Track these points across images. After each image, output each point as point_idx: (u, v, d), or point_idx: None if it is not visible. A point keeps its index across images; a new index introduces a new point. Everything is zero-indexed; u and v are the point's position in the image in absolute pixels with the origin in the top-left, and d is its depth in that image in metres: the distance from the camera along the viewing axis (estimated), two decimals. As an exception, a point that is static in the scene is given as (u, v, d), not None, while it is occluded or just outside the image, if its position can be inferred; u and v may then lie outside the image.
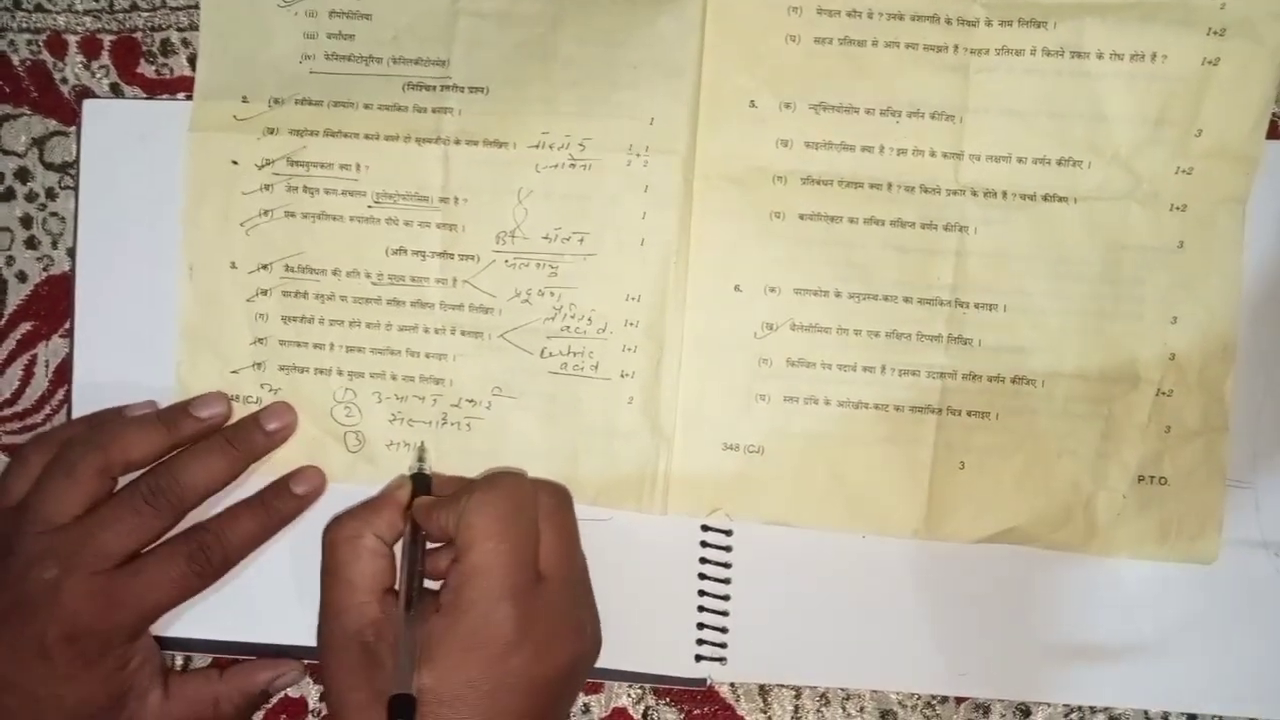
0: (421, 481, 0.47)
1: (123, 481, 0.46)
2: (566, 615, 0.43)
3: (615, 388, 0.48)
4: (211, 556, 0.45)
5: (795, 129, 0.47)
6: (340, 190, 0.49)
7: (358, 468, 0.49)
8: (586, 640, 0.44)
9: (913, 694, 0.49)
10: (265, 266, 0.49)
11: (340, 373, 0.49)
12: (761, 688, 0.49)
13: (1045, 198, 0.47)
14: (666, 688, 0.49)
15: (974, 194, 0.47)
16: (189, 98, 0.50)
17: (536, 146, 0.48)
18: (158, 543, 0.45)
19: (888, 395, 0.48)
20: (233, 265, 0.49)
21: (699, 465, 0.48)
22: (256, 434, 0.48)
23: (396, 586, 0.44)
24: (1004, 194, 0.47)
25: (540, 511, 0.44)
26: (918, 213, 0.47)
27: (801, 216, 0.48)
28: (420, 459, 0.48)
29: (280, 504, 0.48)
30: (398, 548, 0.45)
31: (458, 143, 0.48)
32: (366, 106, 0.49)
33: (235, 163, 0.49)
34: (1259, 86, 0.46)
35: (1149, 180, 0.46)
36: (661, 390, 0.48)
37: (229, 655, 0.50)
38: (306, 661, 0.50)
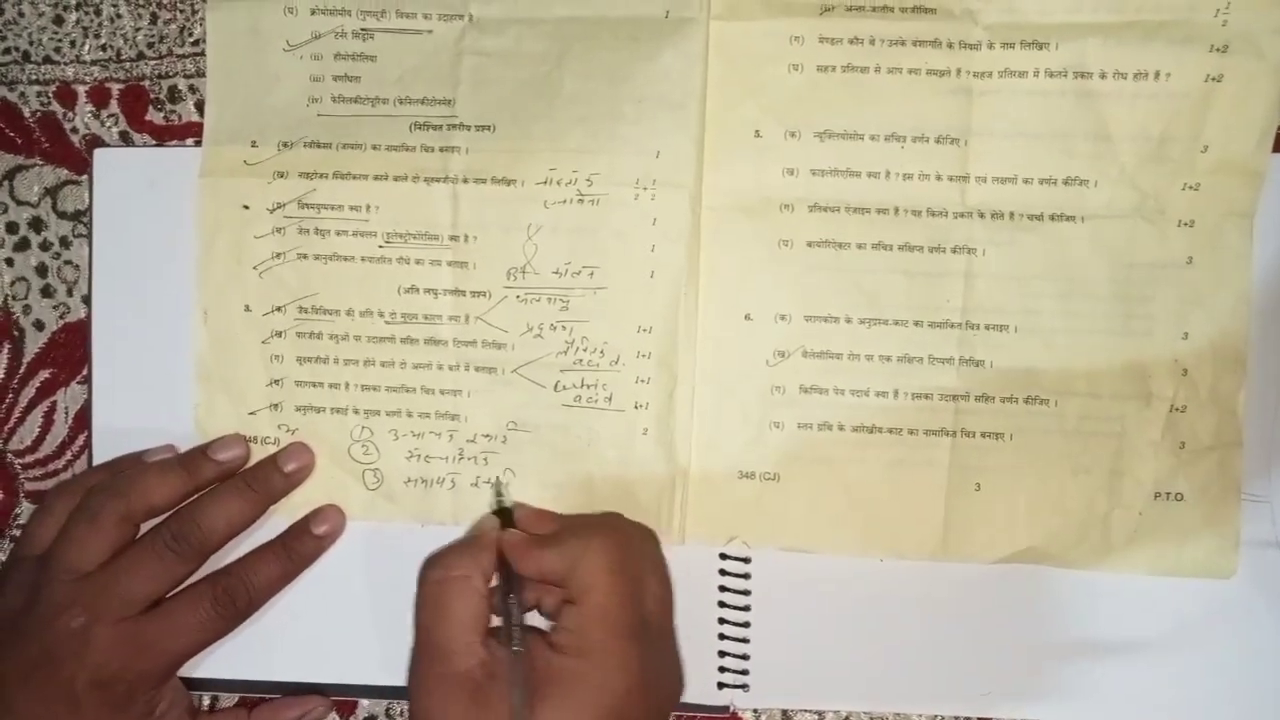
0: (506, 516, 0.47)
1: (145, 527, 0.47)
2: (670, 657, 0.44)
3: (630, 419, 0.48)
4: (236, 600, 0.46)
5: (801, 157, 0.48)
6: (351, 231, 0.49)
7: (377, 505, 0.50)
8: (680, 682, 0.45)
9: (936, 715, 0.49)
10: (279, 308, 0.50)
11: (356, 411, 0.50)
12: (784, 713, 0.50)
13: (1052, 218, 0.47)
14: (690, 715, 0.50)
15: (981, 216, 0.47)
16: (198, 143, 0.51)
17: (544, 183, 0.48)
18: (182, 587, 0.46)
19: (901, 419, 0.48)
20: (246, 308, 0.50)
21: (715, 494, 0.48)
22: (275, 475, 0.49)
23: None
24: (1011, 215, 0.47)
25: (644, 555, 0.44)
26: (925, 236, 0.47)
27: (810, 244, 0.48)
28: (499, 494, 0.48)
29: (301, 546, 0.48)
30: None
31: (466, 181, 0.49)
32: (374, 147, 0.49)
33: (246, 207, 0.49)
34: (1263, 101, 0.46)
35: (1155, 197, 0.47)
36: (676, 420, 0.48)
37: (256, 694, 0.50)
38: (334, 698, 0.50)
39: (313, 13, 0.49)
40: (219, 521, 0.46)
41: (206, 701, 0.51)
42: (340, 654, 0.48)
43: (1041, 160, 0.47)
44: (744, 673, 0.49)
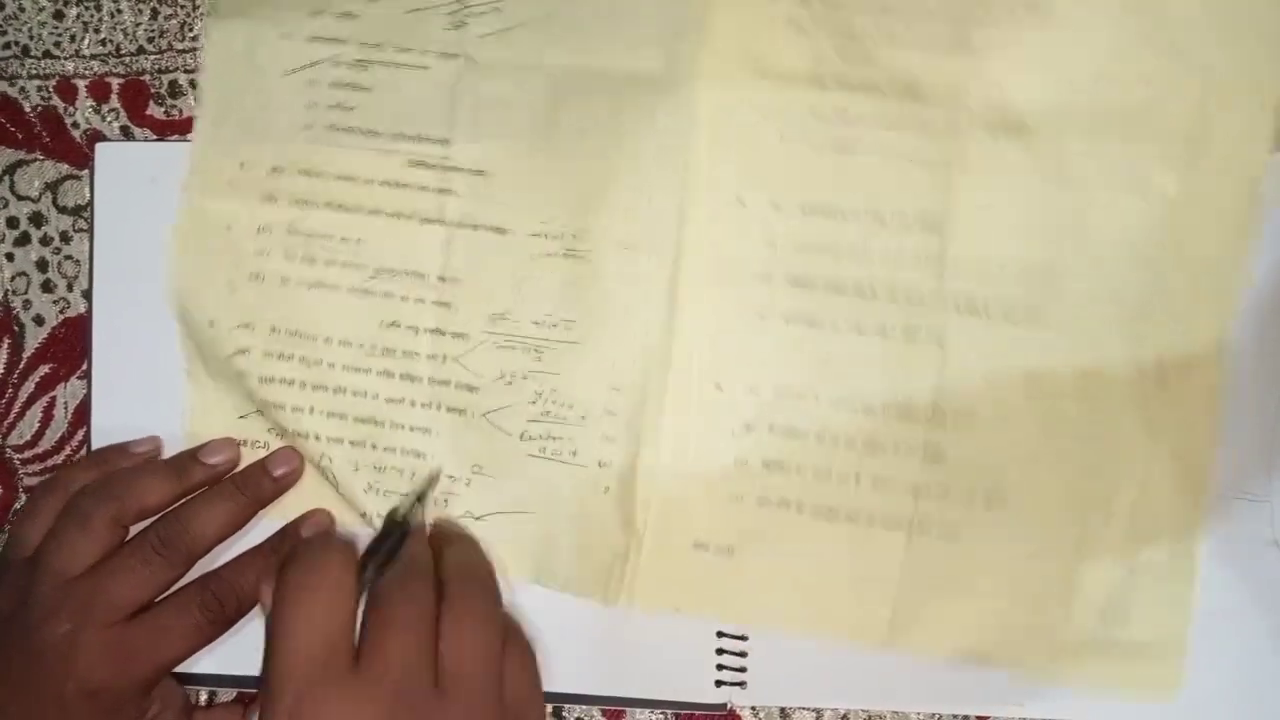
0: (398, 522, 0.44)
1: (134, 529, 0.47)
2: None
3: (592, 476, 0.48)
4: (225, 605, 0.45)
5: (783, 229, 0.48)
6: (340, 262, 0.50)
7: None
8: None
9: (934, 714, 0.49)
10: (248, 325, 0.50)
11: (318, 438, 0.50)
12: (782, 711, 0.50)
13: (1027, 312, 0.47)
14: (688, 714, 0.50)
15: (957, 307, 0.47)
16: None
17: (536, 235, 0.48)
18: (170, 592, 0.45)
19: (860, 506, 0.48)
20: (210, 324, 0.50)
21: (668, 562, 0.48)
22: (264, 480, 0.49)
23: None
24: (986, 307, 0.47)
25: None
26: (901, 322, 0.47)
27: (786, 319, 0.48)
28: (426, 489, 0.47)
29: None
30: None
31: (460, 226, 0.49)
32: (368, 181, 0.49)
33: (229, 228, 0.50)
34: (1238, 213, 0.46)
35: (1131, 295, 0.46)
36: (637, 483, 0.48)
37: (254, 690, 0.50)
38: None
39: (310, 39, 0.50)
40: (207, 526, 0.46)
41: (204, 697, 0.52)
42: None
43: (1020, 253, 0.47)
44: (742, 670, 0.49)
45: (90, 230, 0.52)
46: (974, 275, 0.47)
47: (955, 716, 0.49)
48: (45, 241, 0.53)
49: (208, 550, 0.47)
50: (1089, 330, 0.47)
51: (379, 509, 0.50)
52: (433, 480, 0.48)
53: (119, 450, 0.49)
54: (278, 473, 0.49)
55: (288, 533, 0.48)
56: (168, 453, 0.50)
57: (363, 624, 0.38)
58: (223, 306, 0.50)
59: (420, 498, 0.46)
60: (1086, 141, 0.46)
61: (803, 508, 0.48)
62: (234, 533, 0.47)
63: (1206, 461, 0.47)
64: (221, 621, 0.46)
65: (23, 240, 0.53)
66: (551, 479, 0.49)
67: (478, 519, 0.50)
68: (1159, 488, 0.47)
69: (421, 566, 0.41)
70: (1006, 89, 0.46)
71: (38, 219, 0.53)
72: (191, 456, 0.48)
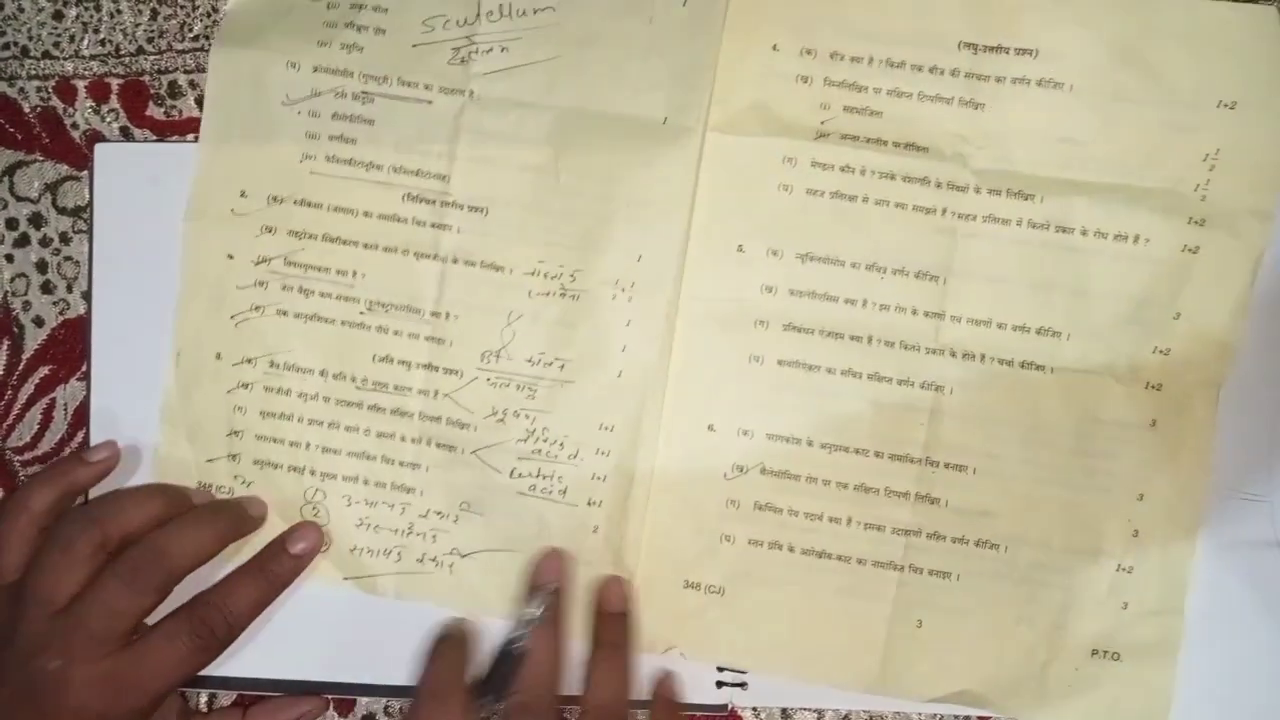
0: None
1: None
2: None
3: (581, 515, 0.48)
4: (216, 630, 0.45)
5: (781, 276, 0.48)
6: (335, 294, 0.50)
7: (321, 567, 0.50)
8: None
9: (935, 715, 0.49)
10: (250, 360, 0.50)
11: (313, 473, 0.50)
12: (784, 712, 0.50)
13: (1023, 365, 0.47)
14: (689, 715, 0.50)
15: (953, 355, 0.47)
16: (197, 139, 0.51)
17: (532, 274, 0.49)
18: (160, 619, 0.45)
19: (851, 548, 0.48)
20: (218, 356, 0.50)
21: (658, 601, 0.48)
22: (244, 516, 0.49)
23: None
24: (982, 357, 0.48)
25: None
26: (896, 369, 0.47)
27: (780, 362, 0.48)
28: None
29: (279, 567, 0.47)
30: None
31: (455, 262, 0.49)
32: (366, 214, 0.49)
33: (231, 256, 0.50)
34: (1237, 278, 0.46)
35: (1126, 357, 0.47)
36: (628, 522, 0.48)
37: (254, 692, 0.50)
38: (332, 696, 0.51)
39: (315, 70, 0.50)
40: (185, 550, 0.46)
41: (204, 699, 0.51)
42: (338, 652, 0.49)
43: (1018, 307, 0.47)
44: (743, 671, 0.49)
45: (90, 231, 0.52)
46: (972, 327, 0.48)
47: (957, 717, 0.49)
48: (45, 243, 0.53)
49: (185, 575, 0.46)
50: (1085, 379, 0.47)
51: (370, 544, 0.50)
52: (552, 597, 0.46)
53: (75, 459, 0.48)
54: (255, 512, 0.49)
55: (274, 550, 0.48)
56: (128, 460, 0.50)
57: None
58: (228, 340, 0.50)
59: (533, 620, 0.46)
60: (1089, 200, 0.47)
61: (794, 548, 0.48)
62: (209, 559, 0.46)
63: (1199, 506, 0.47)
64: (214, 647, 0.45)
65: (22, 241, 0.53)
66: (541, 517, 0.49)
67: (464, 556, 0.49)
68: (1151, 529, 0.47)
69: (538, 699, 0.43)
70: (1011, 146, 0.47)
71: (37, 220, 0.53)
72: (178, 489, 0.49)
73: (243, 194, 0.50)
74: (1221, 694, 0.47)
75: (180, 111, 0.52)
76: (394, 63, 0.50)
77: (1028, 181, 0.47)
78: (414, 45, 0.50)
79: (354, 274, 0.49)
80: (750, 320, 0.48)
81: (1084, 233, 0.47)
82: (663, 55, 0.48)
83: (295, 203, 0.50)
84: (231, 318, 0.50)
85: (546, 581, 0.47)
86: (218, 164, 0.50)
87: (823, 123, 0.48)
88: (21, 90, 0.53)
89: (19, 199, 0.53)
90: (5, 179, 0.53)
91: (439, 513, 0.49)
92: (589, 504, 0.49)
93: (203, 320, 0.50)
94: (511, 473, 0.49)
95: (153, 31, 0.52)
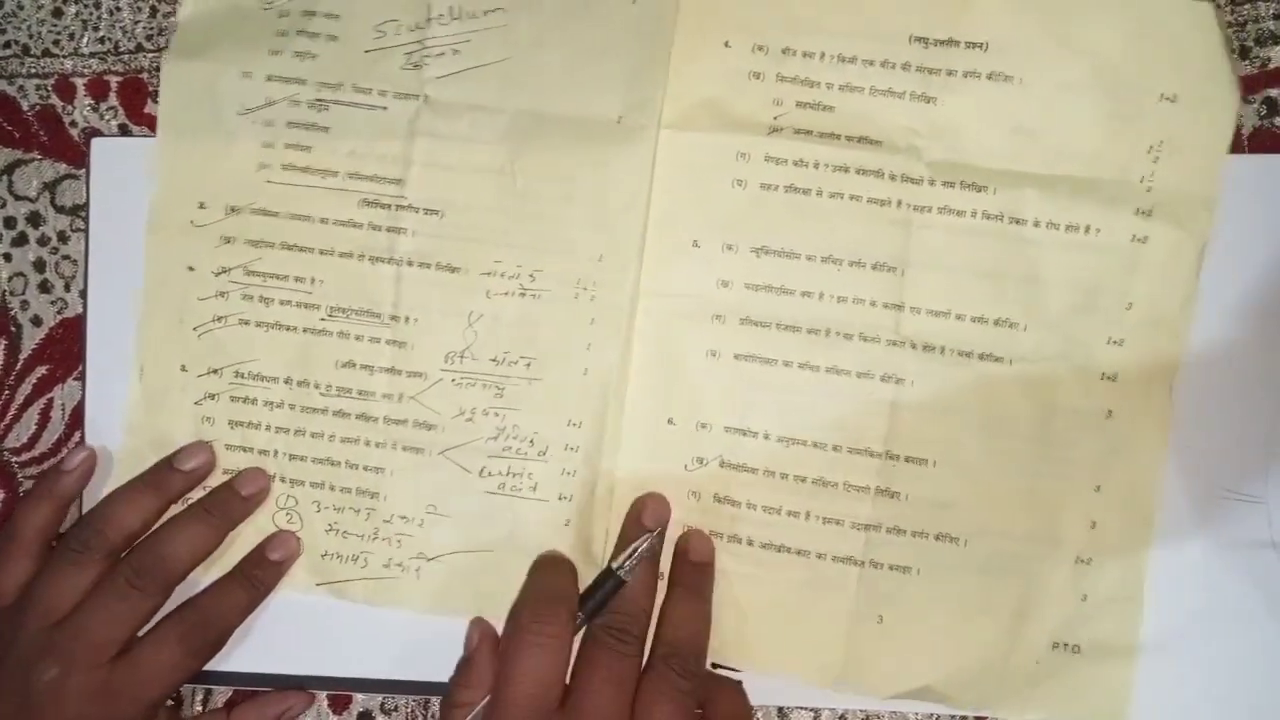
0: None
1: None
2: None
3: (553, 510, 0.49)
4: (205, 635, 0.46)
5: (737, 271, 0.48)
6: (295, 302, 0.50)
7: (295, 574, 0.50)
8: None
9: (932, 714, 0.49)
10: (215, 371, 0.50)
11: (284, 479, 0.50)
12: (780, 710, 0.50)
13: (981, 356, 0.47)
14: None
15: (913, 347, 0.48)
16: None
17: (489, 274, 0.49)
18: (150, 627, 0.46)
19: (811, 542, 0.48)
20: (183, 368, 0.50)
21: (625, 595, 0.48)
22: (233, 500, 0.49)
23: None
24: (942, 349, 0.48)
25: None
26: (854, 361, 0.48)
27: (737, 356, 0.48)
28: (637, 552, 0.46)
29: (262, 573, 0.48)
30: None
31: (411, 264, 0.49)
32: (323, 220, 0.50)
33: (192, 268, 0.50)
34: (1184, 268, 0.46)
35: (1082, 347, 0.47)
36: (595, 516, 0.49)
37: (247, 687, 0.51)
38: (329, 692, 0.51)
39: (268, 79, 0.50)
40: (181, 551, 0.46)
41: (200, 695, 0.52)
42: (335, 647, 0.50)
43: (974, 299, 0.47)
44: (736, 670, 0.49)
45: (86, 229, 0.51)
46: (930, 319, 0.48)
47: (954, 716, 0.49)
48: (43, 241, 0.53)
49: (184, 576, 0.47)
50: (1042, 369, 0.48)
51: (339, 549, 0.51)
52: (654, 538, 0.46)
53: (55, 472, 0.49)
54: (246, 491, 0.49)
55: (256, 558, 0.49)
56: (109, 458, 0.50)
57: (574, 666, 0.43)
58: (193, 352, 0.51)
59: (638, 552, 0.46)
60: (1039, 192, 0.47)
61: (753, 542, 0.49)
62: (208, 556, 0.48)
63: (1154, 493, 0.47)
64: (204, 652, 0.46)
65: (20, 240, 0.53)
66: (513, 514, 0.50)
67: (430, 559, 0.50)
68: (1108, 520, 0.47)
69: (633, 621, 0.44)
70: (963, 139, 0.47)
71: (35, 219, 0.52)
72: (168, 466, 0.49)
73: (201, 205, 0.50)
74: (1219, 694, 0.47)
75: (179, 108, 0.52)
76: (347, 69, 0.50)
77: (980, 173, 0.47)
78: (367, 51, 0.50)
79: (313, 281, 0.50)
80: (707, 315, 0.49)
81: (1036, 224, 0.47)
82: (615, 54, 0.48)
83: (253, 212, 0.50)
84: (195, 329, 0.50)
85: (654, 523, 0.47)
86: (175, 176, 0.50)
87: (776, 118, 0.48)
88: (20, 88, 0.53)
89: (17, 198, 0.53)
90: (4, 177, 0.52)
91: (404, 517, 0.50)
92: (560, 499, 0.49)
93: (166, 334, 0.50)
94: (481, 471, 0.49)
95: (152, 29, 0.52)
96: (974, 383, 0.47)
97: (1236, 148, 0.47)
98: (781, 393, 0.48)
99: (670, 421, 0.49)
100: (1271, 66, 0.48)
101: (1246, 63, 0.48)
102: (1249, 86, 0.47)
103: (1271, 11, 0.48)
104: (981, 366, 0.47)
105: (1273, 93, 0.48)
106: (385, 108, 0.50)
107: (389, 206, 0.50)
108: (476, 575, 0.49)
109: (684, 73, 0.48)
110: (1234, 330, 0.47)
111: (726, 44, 0.48)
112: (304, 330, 0.50)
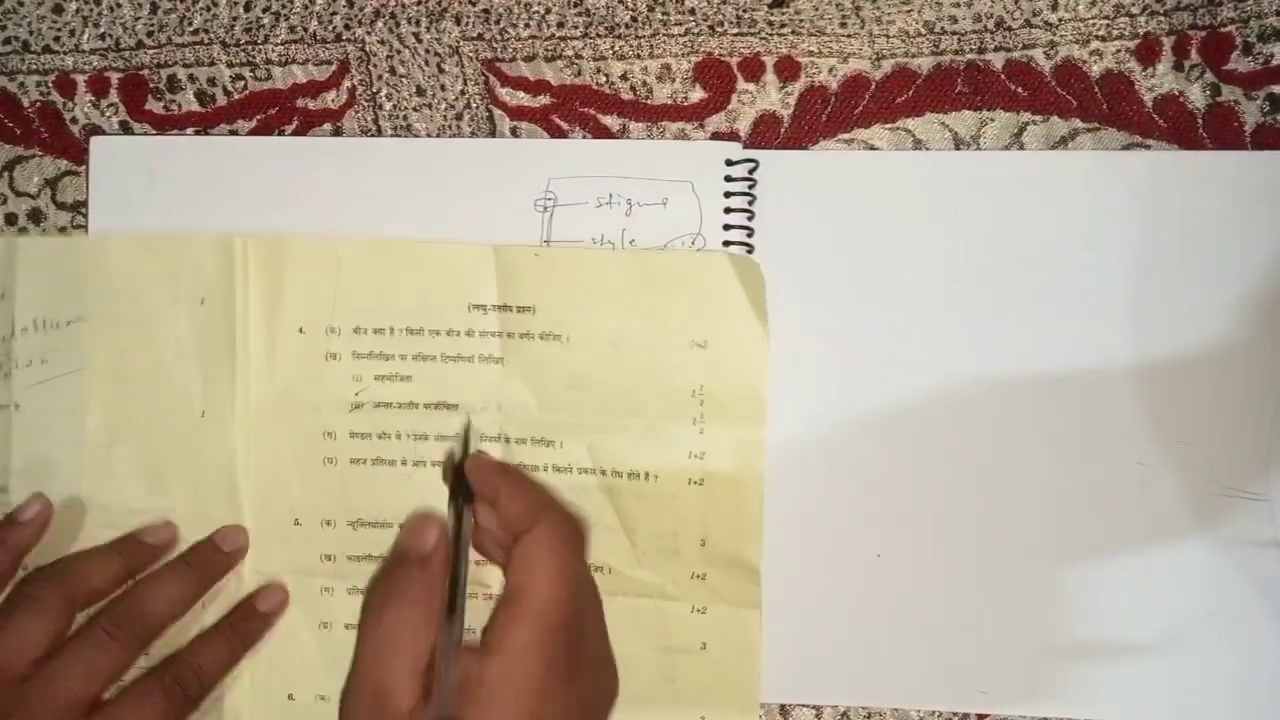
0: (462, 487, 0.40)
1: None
2: (604, 660, 0.39)
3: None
4: (188, 690, 0.43)
5: (337, 545, 0.47)
6: None
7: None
8: (615, 685, 0.39)
9: (934, 711, 0.48)
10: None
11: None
12: (782, 708, 0.48)
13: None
14: None
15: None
16: (198, 132, 0.49)
17: None
18: (130, 682, 0.42)
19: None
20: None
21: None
22: (214, 555, 0.47)
23: None
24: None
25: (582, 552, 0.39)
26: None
27: (348, 626, 0.47)
28: (463, 446, 0.42)
29: (249, 625, 0.46)
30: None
31: None
32: None
33: None
34: (747, 502, 0.46)
35: (673, 584, 0.47)
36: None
37: None
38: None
39: None
40: (161, 605, 0.44)
41: None
42: None
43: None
44: None
45: (86, 226, 0.49)
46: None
47: (955, 714, 0.48)
48: None
49: (163, 630, 0.44)
50: (647, 608, 0.46)
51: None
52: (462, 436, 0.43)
53: (7, 522, 0.46)
54: (227, 548, 0.47)
55: (244, 609, 0.46)
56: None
57: None
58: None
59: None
60: (603, 443, 0.46)
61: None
62: (186, 611, 0.45)
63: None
64: (187, 708, 0.43)
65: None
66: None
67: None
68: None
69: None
70: (527, 397, 0.47)
71: (36, 215, 0.50)
72: (133, 538, 0.46)
73: None
74: (1223, 692, 0.46)
75: (179, 106, 0.50)
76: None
77: (548, 428, 0.47)
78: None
79: None
80: (316, 588, 0.48)
81: (603, 473, 0.47)
82: (191, 352, 0.48)
83: None
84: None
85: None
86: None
87: (357, 394, 0.48)
88: (21, 85, 0.51)
89: (18, 194, 0.51)
90: (5, 174, 0.51)
91: None
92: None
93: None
94: None
95: (152, 25, 0.50)
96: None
97: (1239, 144, 0.45)
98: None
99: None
100: (1274, 63, 0.46)
101: (1250, 59, 0.46)
102: (1251, 83, 0.46)
103: (1274, 8, 0.46)
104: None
105: (1275, 89, 0.46)
106: None
107: None
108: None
109: (262, 362, 0.48)
110: (1234, 329, 0.45)
111: (301, 330, 0.48)
112: None
